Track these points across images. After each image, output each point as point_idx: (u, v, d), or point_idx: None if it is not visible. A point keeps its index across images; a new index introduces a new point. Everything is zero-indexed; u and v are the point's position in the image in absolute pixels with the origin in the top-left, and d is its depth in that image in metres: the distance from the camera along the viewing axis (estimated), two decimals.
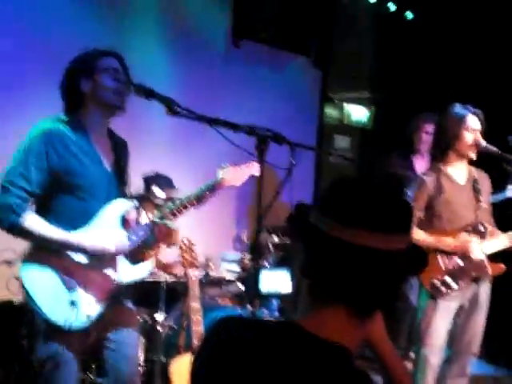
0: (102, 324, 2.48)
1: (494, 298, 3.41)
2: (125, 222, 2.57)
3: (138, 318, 2.74)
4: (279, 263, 4.37)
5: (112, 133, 2.67)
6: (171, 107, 2.17)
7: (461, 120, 3.26)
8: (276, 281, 4.21)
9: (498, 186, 3.74)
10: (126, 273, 2.54)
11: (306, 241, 1.17)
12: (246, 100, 5.27)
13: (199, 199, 2.60)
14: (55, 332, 2.35)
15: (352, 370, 1.07)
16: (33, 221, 2.37)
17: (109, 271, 2.48)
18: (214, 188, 2.66)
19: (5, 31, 4.06)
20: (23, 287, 2.38)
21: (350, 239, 1.08)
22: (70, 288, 2.36)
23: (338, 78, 6.58)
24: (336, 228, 1.09)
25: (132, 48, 4.66)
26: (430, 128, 4.62)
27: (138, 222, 2.60)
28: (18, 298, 4.04)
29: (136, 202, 2.66)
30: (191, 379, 1.23)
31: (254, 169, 2.73)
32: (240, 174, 2.77)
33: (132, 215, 2.61)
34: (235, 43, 5.59)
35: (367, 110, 6.70)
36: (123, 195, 2.63)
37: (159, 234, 2.57)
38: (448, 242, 3.21)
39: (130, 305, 2.68)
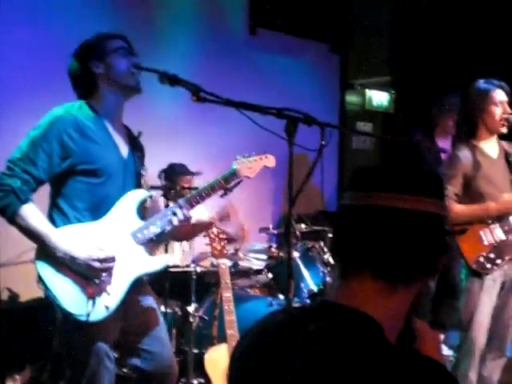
0: (125, 313, 2.45)
1: None
2: (142, 212, 2.52)
3: (155, 304, 2.65)
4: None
5: (125, 126, 2.61)
6: (197, 93, 2.13)
7: (487, 95, 3.22)
8: None
9: None
10: (143, 265, 2.46)
11: (338, 220, 1.19)
12: (263, 89, 5.19)
13: (214, 190, 2.57)
14: (88, 326, 2.29)
15: (377, 340, 1.06)
16: (30, 210, 2.27)
17: (126, 263, 2.40)
18: (229, 179, 2.61)
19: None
20: (42, 283, 2.30)
21: (375, 202, 1.12)
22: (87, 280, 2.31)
23: (356, 63, 6.53)
24: (362, 196, 1.14)
25: (155, 38, 4.72)
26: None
27: (155, 212, 2.55)
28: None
29: (153, 193, 2.61)
30: (228, 373, 1.23)
31: (269, 161, 2.71)
32: (254, 165, 2.69)
33: (149, 204, 2.57)
34: (252, 31, 5.57)
35: (388, 94, 6.64)
36: (139, 185, 2.56)
37: (178, 226, 2.48)
38: (491, 205, 3.15)
39: (148, 298, 2.61)
